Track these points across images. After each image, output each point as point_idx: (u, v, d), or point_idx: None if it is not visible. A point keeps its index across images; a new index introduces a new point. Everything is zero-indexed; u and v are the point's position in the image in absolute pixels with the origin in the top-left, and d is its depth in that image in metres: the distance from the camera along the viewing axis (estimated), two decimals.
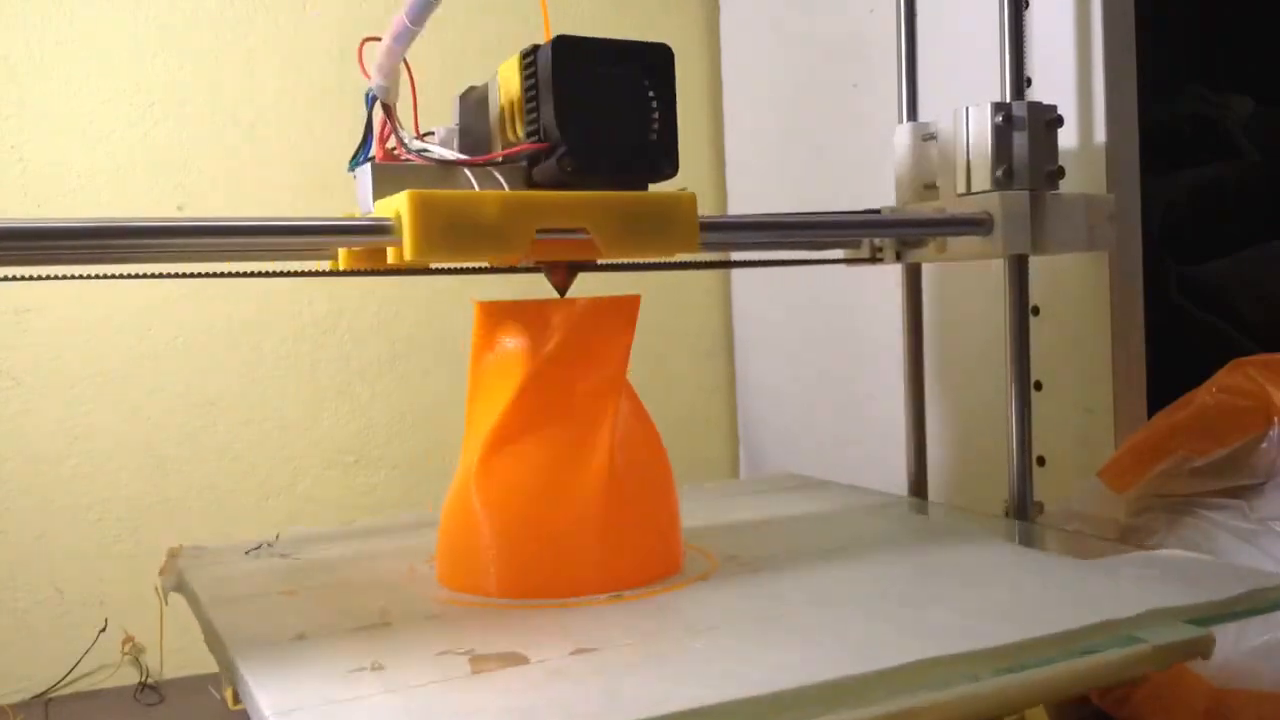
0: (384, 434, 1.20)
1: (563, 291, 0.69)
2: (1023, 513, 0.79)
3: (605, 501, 0.65)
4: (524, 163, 0.64)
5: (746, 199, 1.29)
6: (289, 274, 0.73)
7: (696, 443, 1.35)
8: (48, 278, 0.67)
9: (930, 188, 0.84)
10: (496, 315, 0.68)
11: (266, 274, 0.72)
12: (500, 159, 0.65)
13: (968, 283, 0.95)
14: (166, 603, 0.76)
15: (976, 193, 0.78)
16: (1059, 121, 0.78)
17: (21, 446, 1.07)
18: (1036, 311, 0.87)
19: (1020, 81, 0.80)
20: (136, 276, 0.69)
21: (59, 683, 1.07)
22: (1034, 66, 0.84)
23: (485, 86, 0.68)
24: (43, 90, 1.07)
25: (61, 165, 1.08)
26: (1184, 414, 0.78)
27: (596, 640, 0.55)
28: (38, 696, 1.07)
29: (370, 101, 0.66)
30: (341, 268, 0.68)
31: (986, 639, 0.52)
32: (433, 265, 0.72)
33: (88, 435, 1.09)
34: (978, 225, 0.77)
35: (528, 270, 0.74)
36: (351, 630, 0.58)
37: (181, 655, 1.09)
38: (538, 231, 0.61)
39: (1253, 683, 0.69)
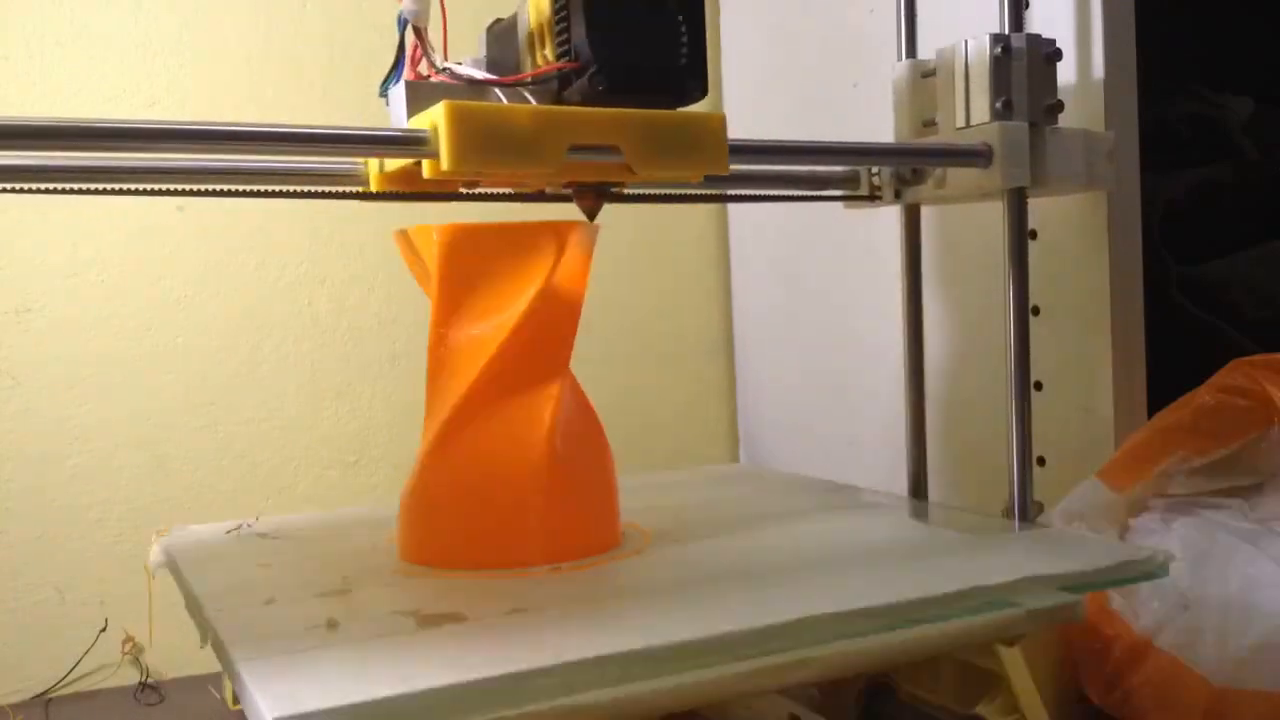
0: (384, 434, 1.20)
1: (591, 217, 0.71)
2: (1023, 513, 0.79)
3: (547, 480, 0.70)
4: (554, 84, 0.65)
5: None
6: (309, 195, 0.71)
7: (696, 442, 1.35)
8: (32, 190, 0.65)
9: (929, 124, 0.84)
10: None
11: (285, 194, 0.70)
12: (530, 79, 0.66)
13: (969, 281, 0.95)
14: (154, 576, 0.78)
15: (975, 125, 0.78)
16: (1057, 55, 0.79)
17: (21, 446, 1.07)
18: (1036, 312, 0.87)
19: (1019, 14, 0.80)
20: (130, 192, 0.66)
21: (59, 683, 1.07)
22: (1033, 13, 0.85)
23: (513, 17, 0.69)
24: (43, 90, 1.07)
25: None
26: (1184, 414, 0.78)
27: (530, 603, 0.61)
28: (38, 696, 1.07)
29: (402, 25, 0.66)
30: (374, 190, 0.69)
31: (873, 599, 0.58)
32: (463, 190, 0.72)
33: (88, 435, 1.09)
34: (977, 156, 0.77)
35: (554, 199, 0.75)
36: (314, 596, 0.64)
37: (181, 655, 1.09)
38: (570, 149, 0.62)
39: (1253, 682, 0.69)
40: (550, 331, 0.72)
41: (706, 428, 1.36)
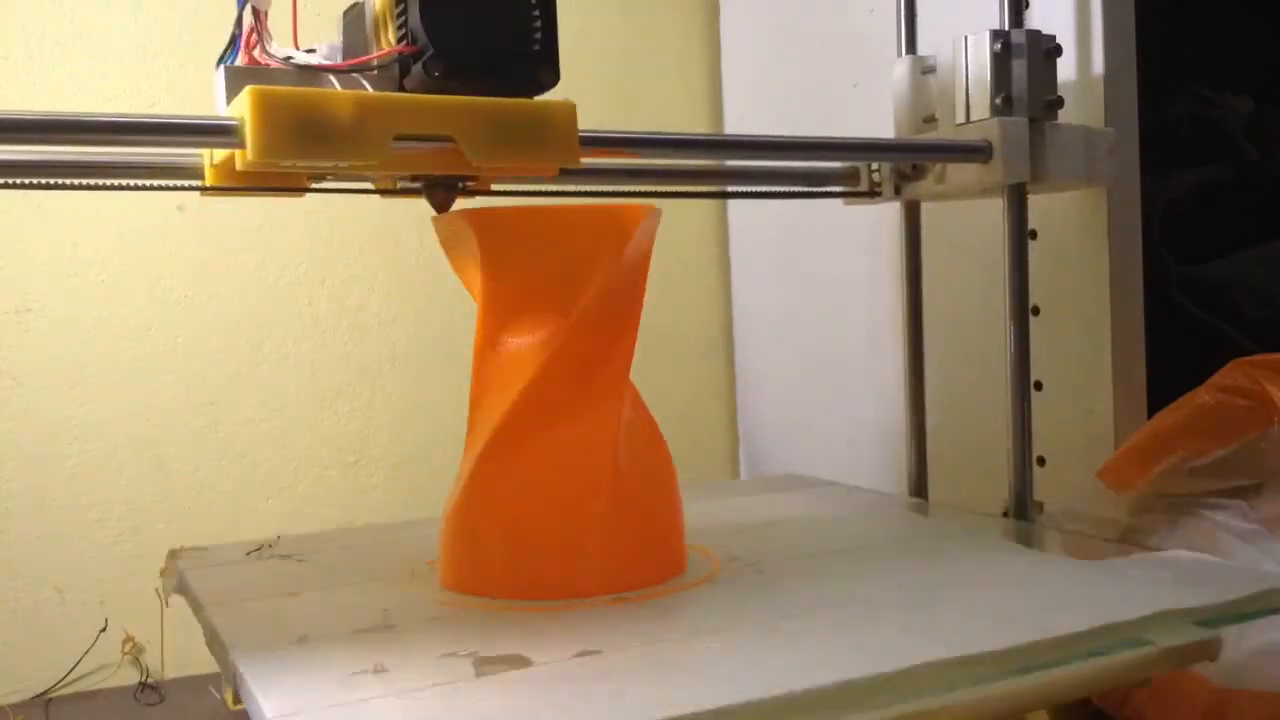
0: (384, 434, 1.20)
1: (441, 212, 0.67)
2: (1023, 513, 0.79)
3: (610, 502, 0.63)
4: (395, 71, 0.61)
5: None
6: (145, 188, 0.67)
7: (696, 443, 1.35)
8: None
9: (930, 121, 0.84)
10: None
11: (113, 186, 0.67)
12: (369, 64, 0.61)
13: (969, 280, 0.95)
14: (167, 604, 0.76)
15: (975, 121, 0.78)
16: (1057, 51, 0.79)
17: (21, 446, 1.07)
18: (1037, 311, 0.87)
19: (1019, 10, 0.81)
20: None
21: (59, 683, 1.07)
22: (1033, 9, 0.85)
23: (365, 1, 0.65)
24: (43, 90, 1.07)
25: None
26: (1184, 414, 0.78)
27: (600, 642, 0.54)
28: (38, 696, 1.07)
29: (241, 4, 0.62)
30: (207, 184, 0.64)
31: (994, 641, 0.52)
32: (312, 186, 0.68)
33: (88, 435, 1.09)
34: (977, 152, 0.77)
35: (401, 192, 0.70)
36: (354, 632, 0.58)
37: (181, 655, 1.09)
38: (396, 138, 0.57)
39: (1253, 682, 0.69)
40: (611, 332, 0.64)
41: (706, 427, 1.36)
